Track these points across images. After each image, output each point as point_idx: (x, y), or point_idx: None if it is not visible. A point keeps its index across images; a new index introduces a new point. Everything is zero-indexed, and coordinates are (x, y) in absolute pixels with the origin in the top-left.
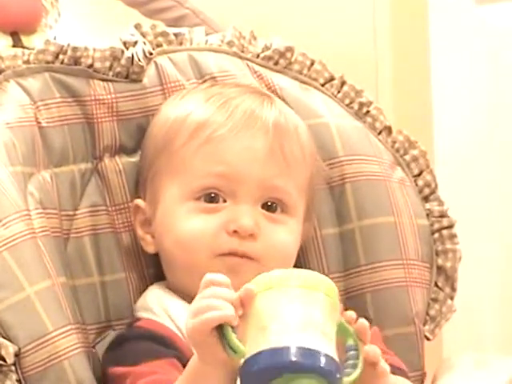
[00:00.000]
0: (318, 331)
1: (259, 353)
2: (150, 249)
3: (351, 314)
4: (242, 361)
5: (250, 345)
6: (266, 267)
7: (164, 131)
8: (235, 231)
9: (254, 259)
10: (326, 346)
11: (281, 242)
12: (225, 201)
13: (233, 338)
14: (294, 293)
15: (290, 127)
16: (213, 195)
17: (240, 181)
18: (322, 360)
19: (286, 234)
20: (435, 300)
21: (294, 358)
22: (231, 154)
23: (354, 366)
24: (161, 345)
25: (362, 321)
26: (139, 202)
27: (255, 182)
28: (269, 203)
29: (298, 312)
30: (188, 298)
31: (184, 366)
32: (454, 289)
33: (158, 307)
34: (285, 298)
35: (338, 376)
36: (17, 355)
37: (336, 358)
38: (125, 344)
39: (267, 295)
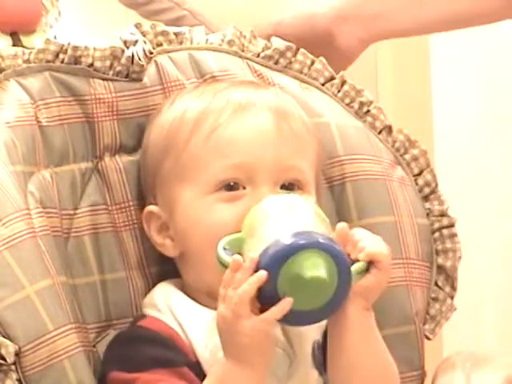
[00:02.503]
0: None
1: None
2: (172, 253)
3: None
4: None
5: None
6: None
7: (163, 135)
8: None
9: None
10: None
11: None
12: (244, 187)
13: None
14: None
15: (290, 105)
16: (232, 184)
17: (257, 167)
18: (319, 236)
19: None
20: (435, 299)
21: (291, 240)
22: (241, 141)
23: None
24: (165, 349)
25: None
26: (152, 208)
27: (272, 165)
28: (287, 184)
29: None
30: (212, 300)
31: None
32: (454, 288)
33: (163, 304)
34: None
35: (338, 248)
36: (17, 354)
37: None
38: (128, 346)
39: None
